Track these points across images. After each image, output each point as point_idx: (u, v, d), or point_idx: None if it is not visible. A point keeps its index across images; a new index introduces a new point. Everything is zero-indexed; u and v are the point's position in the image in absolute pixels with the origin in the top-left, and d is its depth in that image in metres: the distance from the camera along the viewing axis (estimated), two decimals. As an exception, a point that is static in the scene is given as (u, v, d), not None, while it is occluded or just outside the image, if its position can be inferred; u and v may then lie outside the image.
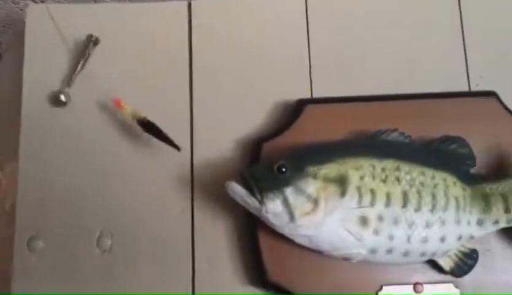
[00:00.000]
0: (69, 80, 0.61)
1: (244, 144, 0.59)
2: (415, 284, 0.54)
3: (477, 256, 0.53)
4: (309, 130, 0.56)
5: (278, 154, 0.53)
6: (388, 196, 0.50)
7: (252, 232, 0.55)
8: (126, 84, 0.62)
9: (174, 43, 0.63)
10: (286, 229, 0.51)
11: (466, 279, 0.53)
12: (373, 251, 0.50)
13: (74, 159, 0.60)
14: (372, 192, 0.50)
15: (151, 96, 0.61)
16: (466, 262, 0.52)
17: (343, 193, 0.50)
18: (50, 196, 0.59)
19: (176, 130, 0.58)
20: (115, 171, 0.59)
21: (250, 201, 0.50)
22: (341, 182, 0.50)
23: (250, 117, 0.60)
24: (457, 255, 0.52)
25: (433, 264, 0.53)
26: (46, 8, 0.63)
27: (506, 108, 0.58)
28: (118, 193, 0.59)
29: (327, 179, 0.50)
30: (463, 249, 0.53)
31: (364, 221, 0.50)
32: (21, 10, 0.65)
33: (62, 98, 0.60)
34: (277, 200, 0.49)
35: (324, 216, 0.49)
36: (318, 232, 0.50)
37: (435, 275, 0.54)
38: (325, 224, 0.50)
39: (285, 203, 0.49)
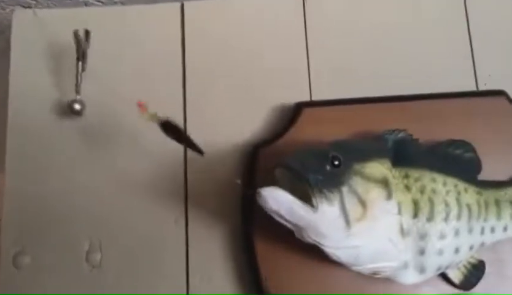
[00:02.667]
0: (77, 87, 0.56)
1: (240, 150, 0.56)
2: (423, 297, 0.50)
3: (485, 267, 0.49)
4: (308, 134, 0.53)
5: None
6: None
7: (248, 242, 0.52)
8: (118, 87, 0.59)
9: (167, 46, 0.60)
10: (334, 240, 0.42)
11: (478, 289, 0.50)
12: (405, 264, 0.45)
13: (61, 171, 0.57)
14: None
15: (143, 100, 0.58)
16: (474, 273, 0.49)
17: (389, 197, 0.44)
18: (37, 209, 0.56)
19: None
20: (103, 182, 0.56)
21: (302, 211, 0.40)
22: (385, 184, 0.44)
23: (246, 121, 0.57)
24: (466, 267, 0.49)
25: (443, 276, 0.50)
26: (33, 13, 0.61)
27: (516, 107, 0.55)
28: (108, 204, 0.56)
29: (371, 179, 0.43)
30: (472, 260, 0.49)
31: (402, 230, 0.44)
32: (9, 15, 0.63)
33: (77, 106, 0.56)
34: (335, 202, 0.41)
35: (374, 221, 0.42)
36: (367, 241, 0.43)
37: (445, 287, 0.50)
38: (374, 231, 0.43)
39: (342, 205, 0.41)
